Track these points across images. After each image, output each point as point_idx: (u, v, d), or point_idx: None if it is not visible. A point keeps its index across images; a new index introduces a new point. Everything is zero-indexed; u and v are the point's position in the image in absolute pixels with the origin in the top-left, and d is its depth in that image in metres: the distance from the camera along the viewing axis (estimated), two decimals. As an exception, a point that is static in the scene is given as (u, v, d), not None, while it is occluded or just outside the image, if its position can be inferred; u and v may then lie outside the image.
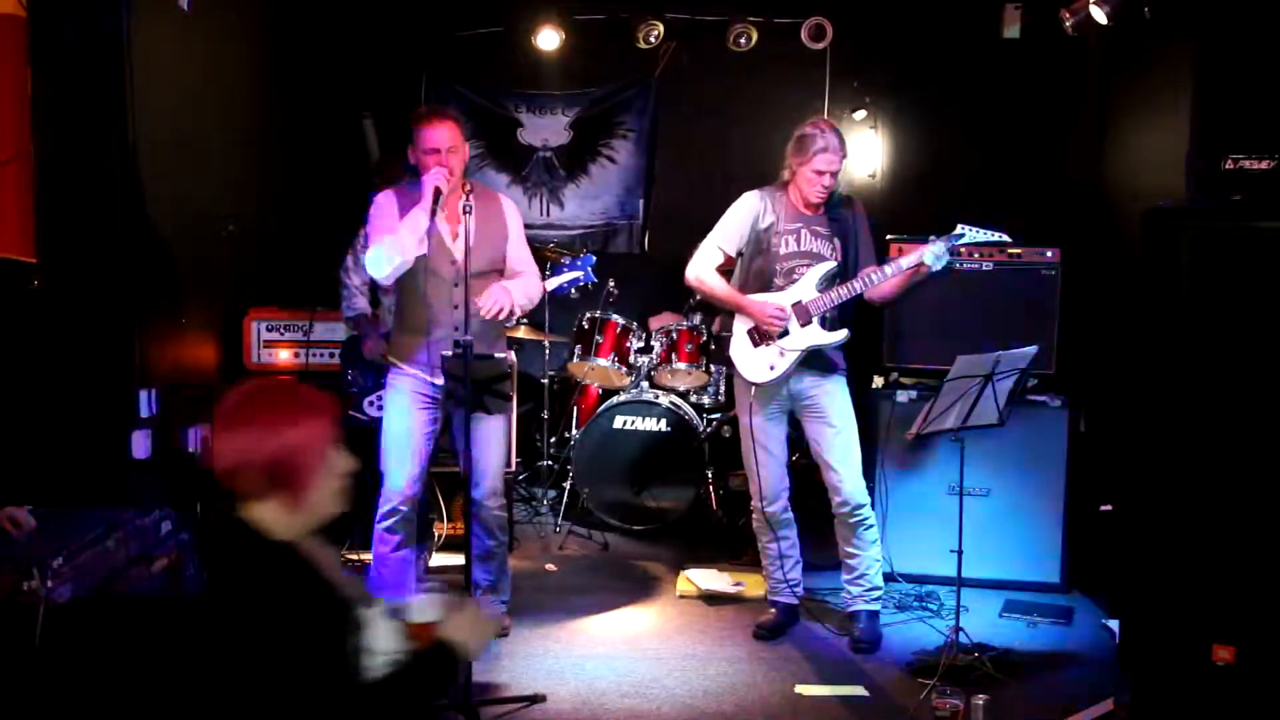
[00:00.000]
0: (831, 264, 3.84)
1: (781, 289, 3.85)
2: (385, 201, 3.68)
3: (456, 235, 3.65)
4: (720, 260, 3.93)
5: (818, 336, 3.82)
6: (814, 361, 3.87)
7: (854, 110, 6.18)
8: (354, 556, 4.66)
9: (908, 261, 3.77)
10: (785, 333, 3.82)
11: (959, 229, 3.78)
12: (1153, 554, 3.11)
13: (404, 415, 3.74)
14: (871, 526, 3.93)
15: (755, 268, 3.90)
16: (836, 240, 3.87)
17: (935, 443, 4.25)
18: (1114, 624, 3.91)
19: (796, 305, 3.82)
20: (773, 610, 4.10)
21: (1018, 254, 4.54)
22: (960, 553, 3.73)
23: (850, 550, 3.96)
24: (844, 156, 3.80)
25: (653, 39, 6.04)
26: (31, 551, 2.96)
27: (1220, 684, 2.97)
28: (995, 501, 4.40)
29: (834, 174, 3.78)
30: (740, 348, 3.92)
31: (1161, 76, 4.29)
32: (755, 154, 6.40)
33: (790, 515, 4.04)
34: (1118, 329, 4.24)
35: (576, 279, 4.05)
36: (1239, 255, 2.98)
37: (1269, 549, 2.95)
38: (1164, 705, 3.07)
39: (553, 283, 4.03)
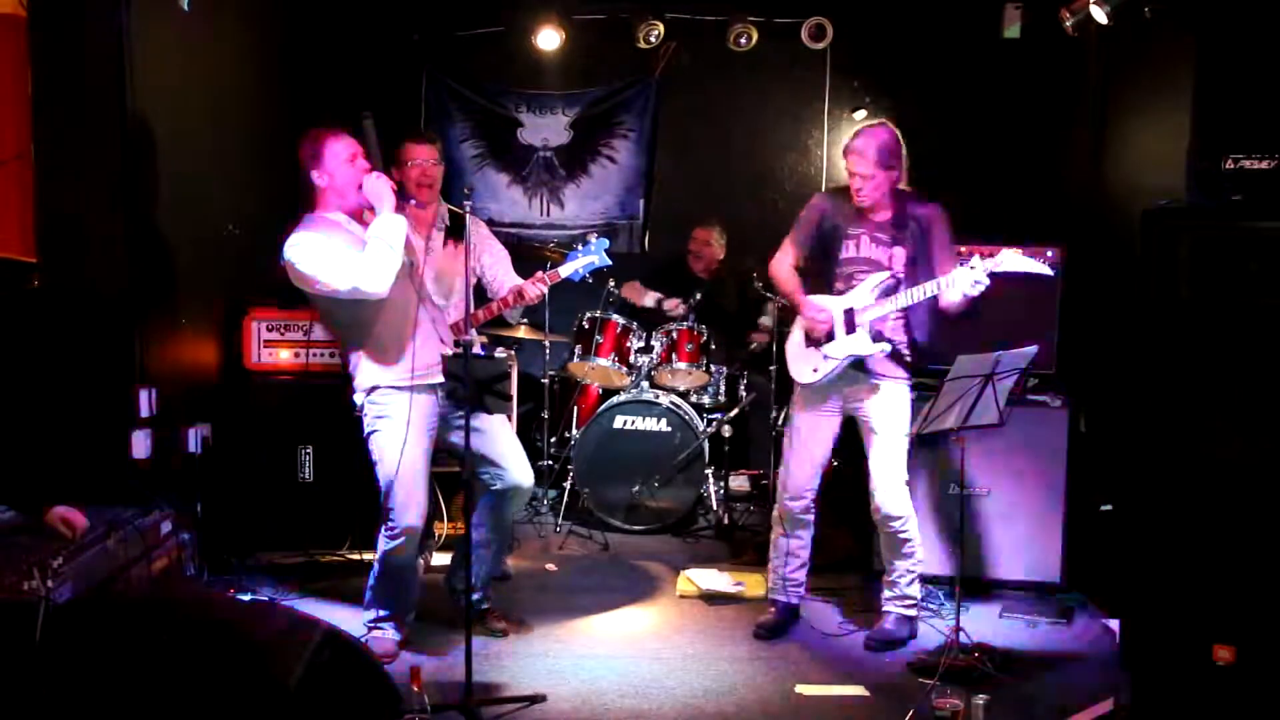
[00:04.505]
0: (885, 274, 3.78)
1: (841, 293, 3.84)
2: (314, 236, 3.50)
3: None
4: (791, 257, 3.97)
5: (859, 346, 3.78)
6: (868, 366, 3.84)
7: (854, 110, 6.19)
8: (355, 556, 4.66)
9: (934, 287, 3.66)
10: (831, 338, 3.82)
11: (1001, 256, 3.57)
12: (1153, 554, 3.11)
13: (407, 444, 3.55)
14: (907, 540, 3.89)
15: (820, 270, 3.90)
16: (896, 249, 3.78)
17: (935, 443, 4.24)
18: (1114, 624, 3.91)
19: (848, 312, 3.80)
20: (772, 609, 4.10)
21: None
22: (960, 553, 3.73)
23: (887, 555, 3.97)
24: (877, 160, 3.70)
25: (653, 39, 6.04)
26: (31, 551, 2.96)
27: (1220, 684, 2.97)
28: (995, 501, 4.41)
29: (863, 176, 3.73)
30: (793, 345, 3.96)
31: (1161, 76, 4.29)
32: (755, 154, 6.44)
33: (809, 519, 4.01)
34: (1118, 329, 4.23)
35: (592, 264, 4.00)
36: (1239, 255, 2.98)
37: (1269, 549, 2.95)
38: (1164, 705, 3.08)
39: (567, 269, 3.96)
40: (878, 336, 3.81)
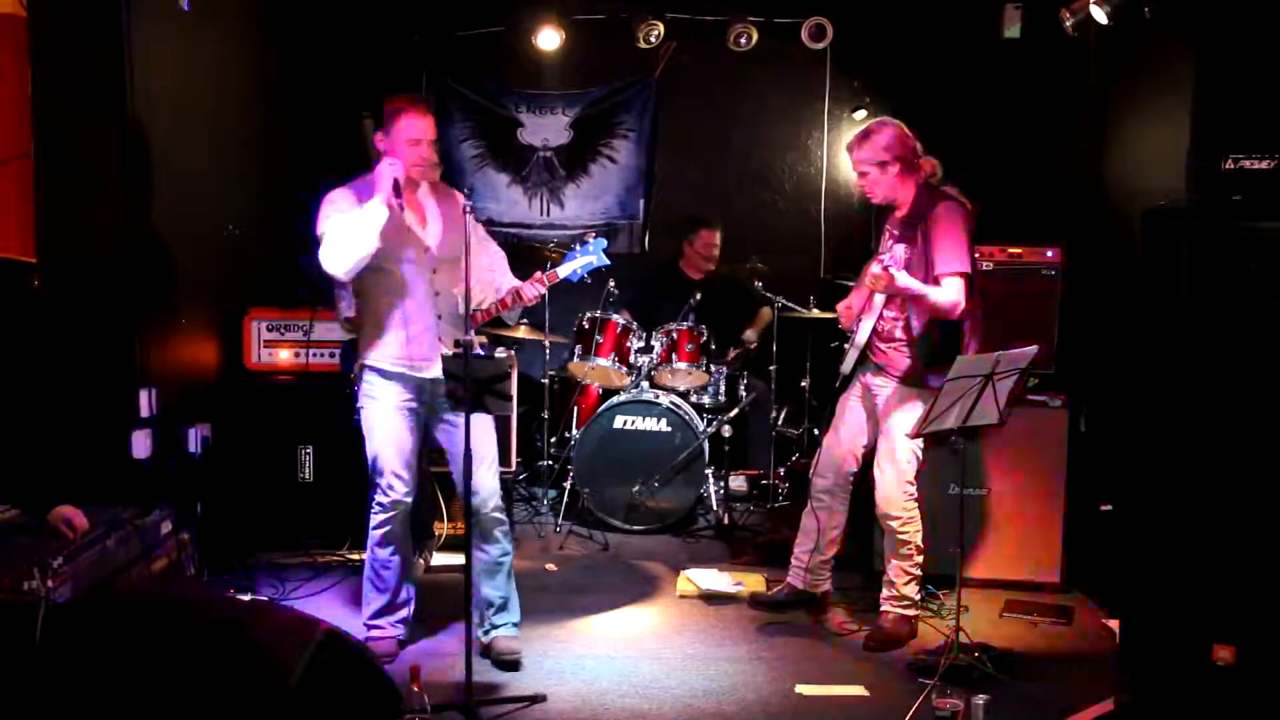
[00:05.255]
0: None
1: None
2: (342, 197, 3.52)
3: (425, 223, 3.63)
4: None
5: (857, 339, 3.89)
6: (878, 360, 3.89)
7: (854, 110, 6.19)
8: (355, 556, 4.66)
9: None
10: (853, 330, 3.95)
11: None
12: (1153, 554, 3.11)
13: (391, 421, 3.62)
14: (903, 540, 3.89)
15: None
16: (897, 246, 3.78)
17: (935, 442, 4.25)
18: (1114, 624, 3.91)
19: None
20: (777, 585, 4.20)
21: (1018, 254, 4.56)
22: (960, 553, 3.73)
23: (886, 554, 3.98)
24: (865, 159, 3.78)
25: (653, 39, 6.04)
26: (31, 551, 2.97)
27: (1220, 684, 2.97)
28: (995, 501, 4.41)
29: (862, 175, 3.81)
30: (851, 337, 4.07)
31: (1161, 76, 4.29)
32: (755, 154, 6.44)
33: (832, 504, 4.03)
34: (1118, 329, 4.23)
35: (590, 264, 3.99)
36: (1239, 255, 2.98)
37: (1269, 549, 2.95)
38: (1164, 705, 3.07)
39: (565, 269, 3.96)
40: (881, 334, 3.85)
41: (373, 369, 3.64)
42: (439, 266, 3.64)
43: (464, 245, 3.46)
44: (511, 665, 3.66)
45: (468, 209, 3.35)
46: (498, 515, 3.72)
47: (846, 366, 3.97)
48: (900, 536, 3.89)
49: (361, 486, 4.72)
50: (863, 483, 4.04)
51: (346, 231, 3.42)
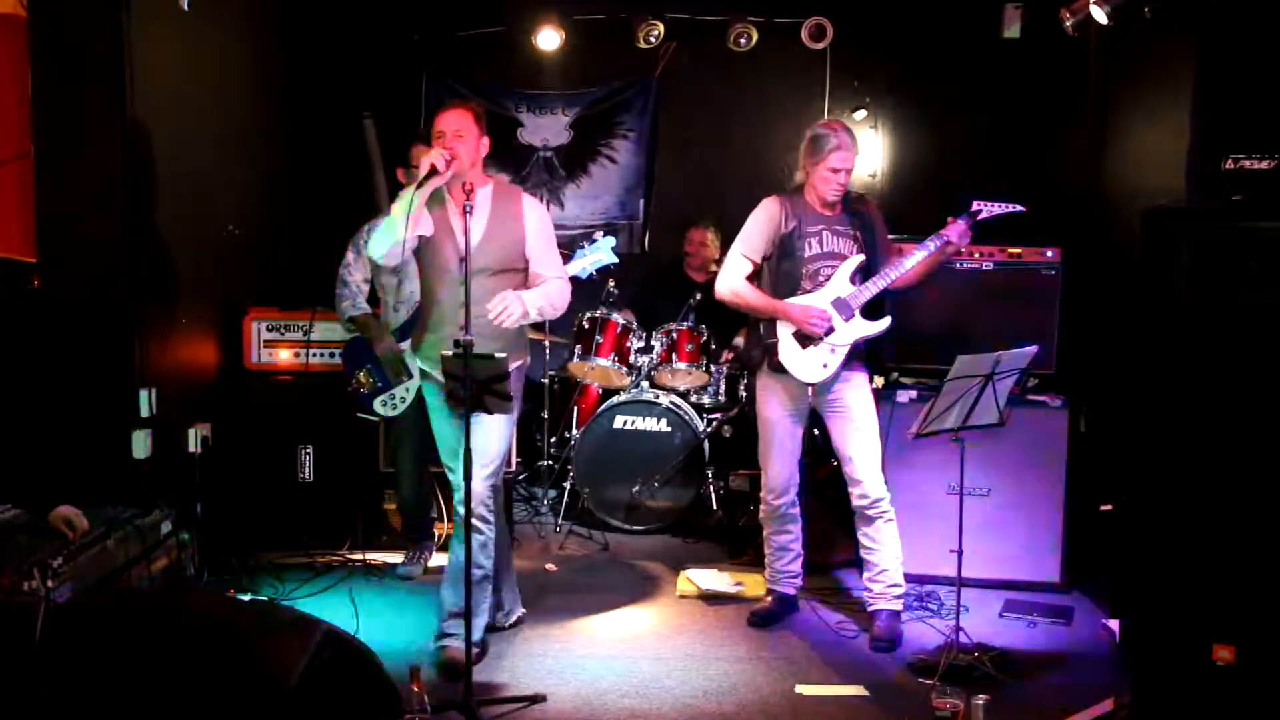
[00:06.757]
0: (861, 257, 3.91)
1: (809, 291, 3.90)
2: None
3: (468, 230, 3.47)
4: (749, 269, 4.00)
5: (864, 327, 3.88)
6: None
7: (854, 110, 6.19)
8: (356, 556, 4.67)
9: (935, 243, 3.87)
10: (831, 330, 3.87)
11: (975, 205, 3.90)
12: (1153, 554, 3.11)
13: (438, 418, 3.71)
14: (891, 522, 3.95)
15: (782, 271, 3.94)
16: (859, 234, 3.93)
17: (935, 443, 4.25)
18: (1114, 624, 3.91)
19: (837, 301, 3.89)
20: (769, 599, 4.17)
21: (1018, 254, 4.55)
22: (960, 553, 3.73)
23: (870, 546, 3.99)
24: (856, 154, 3.89)
25: (653, 39, 6.04)
26: (31, 552, 2.97)
27: (1220, 684, 2.97)
28: (995, 501, 4.41)
29: (848, 171, 3.86)
30: (789, 351, 3.92)
31: (1161, 76, 4.29)
32: (755, 154, 6.43)
33: (795, 511, 4.09)
34: (1118, 329, 4.24)
35: (600, 261, 3.98)
36: (1239, 255, 2.98)
37: (1269, 549, 2.95)
38: (1164, 705, 3.07)
39: (574, 266, 3.93)
40: (871, 317, 3.91)
41: (421, 365, 3.75)
42: (474, 275, 3.40)
43: (506, 249, 3.52)
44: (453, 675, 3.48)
45: (469, 209, 3.32)
46: (475, 523, 3.52)
47: (838, 366, 3.89)
48: (889, 518, 3.95)
49: (361, 486, 4.74)
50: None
51: (385, 218, 3.49)
